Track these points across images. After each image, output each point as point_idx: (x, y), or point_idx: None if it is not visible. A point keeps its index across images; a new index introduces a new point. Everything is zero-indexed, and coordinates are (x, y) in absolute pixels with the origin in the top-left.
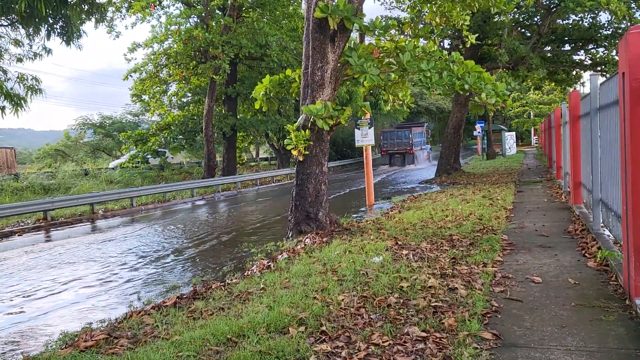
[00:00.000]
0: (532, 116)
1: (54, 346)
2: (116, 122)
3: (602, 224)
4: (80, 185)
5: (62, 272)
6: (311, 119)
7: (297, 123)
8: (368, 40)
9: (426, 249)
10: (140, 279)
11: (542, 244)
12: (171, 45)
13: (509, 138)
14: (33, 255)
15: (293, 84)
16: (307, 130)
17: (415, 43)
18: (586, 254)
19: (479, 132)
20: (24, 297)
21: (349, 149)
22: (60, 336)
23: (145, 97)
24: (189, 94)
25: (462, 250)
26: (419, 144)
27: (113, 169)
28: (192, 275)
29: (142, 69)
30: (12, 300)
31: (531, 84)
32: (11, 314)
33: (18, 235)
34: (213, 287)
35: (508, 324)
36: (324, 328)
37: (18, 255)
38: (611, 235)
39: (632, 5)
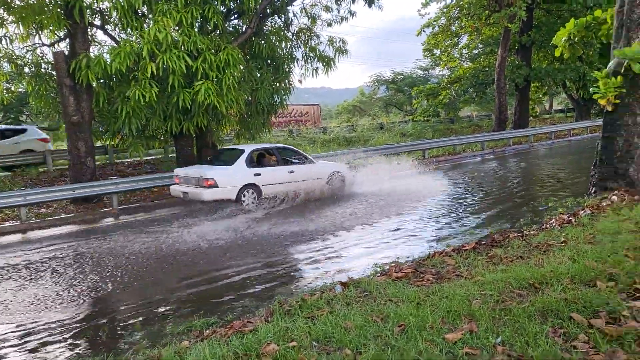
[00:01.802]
0: None
1: (371, 274)
2: (407, 78)
3: None
4: (377, 138)
5: None
6: (624, 64)
7: (607, 69)
8: None
9: None
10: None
11: None
12: None
13: None
14: None
15: (603, 25)
16: (619, 77)
17: None
18: None
19: None
20: None
21: None
22: (374, 267)
23: (437, 51)
24: (480, 45)
25: None
26: None
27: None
28: (488, 225)
29: (434, 23)
30: None
31: None
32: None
33: None
34: (511, 236)
35: None
36: (638, 286)
37: None
38: None
39: None
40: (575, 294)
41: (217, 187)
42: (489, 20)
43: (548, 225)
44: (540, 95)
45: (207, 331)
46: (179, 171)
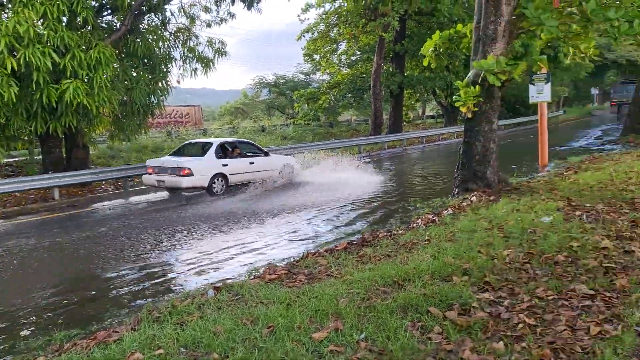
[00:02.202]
0: None
1: (245, 277)
2: (289, 82)
3: None
4: (258, 141)
5: None
6: (482, 75)
7: (466, 79)
8: None
9: (602, 210)
10: (313, 227)
11: None
12: (342, 4)
13: None
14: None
15: (464, 39)
16: (477, 86)
17: None
18: None
19: None
20: None
21: (523, 106)
22: (249, 269)
23: (316, 57)
24: (358, 52)
25: None
26: None
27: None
28: (358, 225)
29: (314, 28)
30: None
31: None
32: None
33: None
34: (380, 236)
35: None
36: (487, 279)
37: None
38: None
39: None
40: (434, 289)
41: (193, 175)
42: (366, 29)
43: (415, 225)
44: (413, 102)
45: (68, 344)
46: (153, 162)
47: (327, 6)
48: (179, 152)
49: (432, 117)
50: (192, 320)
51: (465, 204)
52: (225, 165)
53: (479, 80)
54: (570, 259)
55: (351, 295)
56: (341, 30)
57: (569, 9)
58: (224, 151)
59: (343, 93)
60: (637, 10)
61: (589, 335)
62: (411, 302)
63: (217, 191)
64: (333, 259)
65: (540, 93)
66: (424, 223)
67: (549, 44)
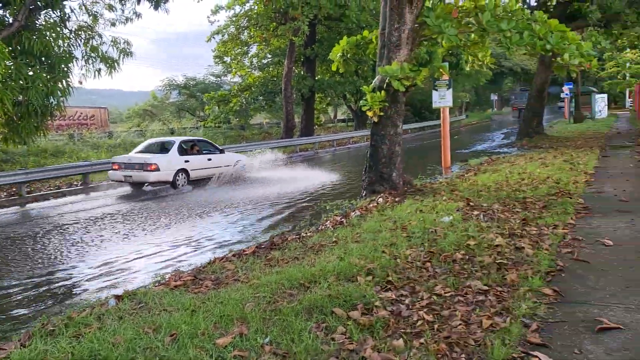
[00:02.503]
0: (627, 77)
1: (150, 284)
2: (199, 83)
3: None
4: None
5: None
6: (387, 80)
7: (372, 84)
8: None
9: (497, 210)
10: (222, 233)
11: (620, 209)
12: (252, 7)
13: (600, 100)
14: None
15: (370, 45)
16: (382, 92)
17: (496, 2)
18: None
19: (566, 95)
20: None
21: (428, 111)
22: (153, 276)
23: (227, 59)
24: (269, 56)
25: (534, 213)
26: None
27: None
28: (268, 229)
29: (224, 30)
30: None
31: (626, 42)
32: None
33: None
34: (289, 239)
35: (571, 282)
36: (390, 278)
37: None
38: None
39: None
40: (339, 289)
41: (160, 170)
42: (277, 32)
43: (323, 227)
44: (324, 106)
45: None
46: (119, 158)
47: (238, 8)
48: (143, 150)
49: (343, 120)
50: (89, 332)
51: (372, 205)
52: (187, 161)
53: (385, 86)
54: (467, 257)
55: (257, 299)
56: (252, 33)
57: (467, 19)
58: (185, 149)
59: (254, 96)
60: (526, 22)
61: (481, 328)
62: (316, 303)
63: (180, 185)
64: (241, 264)
65: (443, 98)
66: (332, 225)
67: (450, 52)
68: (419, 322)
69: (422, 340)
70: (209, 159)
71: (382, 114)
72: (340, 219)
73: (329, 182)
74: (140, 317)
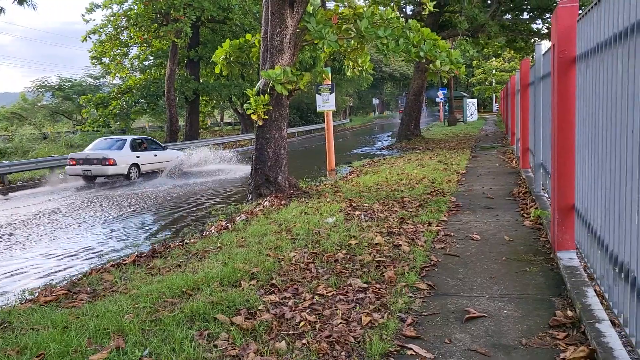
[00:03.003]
0: (493, 83)
1: (15, 301)
2: (76, 85)
3: (542, 187)
4: (38, 149)
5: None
6: (270, 84)
7: (256, 88)
8: (330, 5)
9: (378, 210)
10: (101, 238)
11: (487, 205)
12: (131, 6)
13: (470, 105)
14: None
15: (253, 48)
16: (266, 95)
17: (374, 10)
18: (524, 214)
19: (441, 99)
20: None
21: (314, 115)
22: (21, 292)
23: (106, 60)
24: (151, 57)
25: (410, 211)
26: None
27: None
28: (151, 236)
29: (101, 30)
30: None
31: (491, 51)
32: None
33: None
34: (172, 246)
35: (443, 276)
36: (274, 281)
37: None
38: (549, 197)
39: None
40: (222, 295)
41: (117, 165)
42: (158, 33)
43: (208, 233)
44: (210, 109)
45: None
46: (75, 155)
47: (116, 7)
48: (96, 147)
49: (230, 124)
50: None
51: (258, 209)
52: (137, 157)
53: (268, 89)
54: (348, 256)
55: (137, 310)
56: (132, 34)
57: (347, 26)
58: (134, 146)
59: (136, 99)
60: (401, 30)
61: (360, 325)
62: (199, 311)
63: (132, 177)
64: (120, 274)
65: (326, 102)
66: (217, 230)
67: (334, 57)
68: (302, 323)
69: (304, 341)
70: (155, 155)
71: (266, 117)
72: (226, 223)
73: (212, 186)
74: (2, 338)
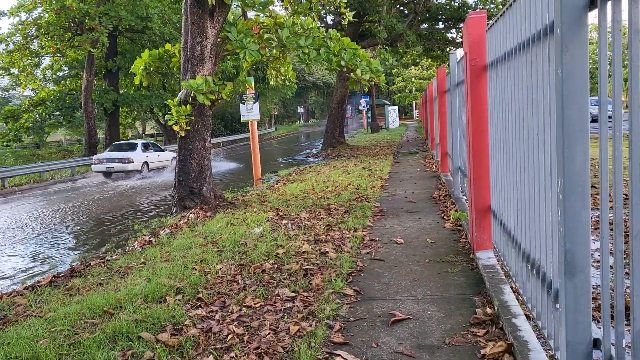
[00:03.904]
0: (413, 91)
1: None
2: None
3: (460, 190)
4: None
5: None
6: (192, 94)
7: (177, 98)
8: (251, 15)
9: (305, 218)
10: (17, 260)
11: (409, 209)
12: (42, 14)
13: (392, 112)
14: None
15: (173, 58)
16: (188, 105)
17: (295, 20)
18: (445, 217)
19: (364, 107)
20: None
21: (239, 124)
22: None
23: (15, 71)
24: (66, 68)
25: (337, 218)
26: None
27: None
28: (72, 255)
29: (8, 39)
30: None
31: (410, 60)
32: None
33: None
34: (92, 264)
35: (369, 280)
36: (200, 295)
37: None
38: (467, 199)
39: None
40: (146, 312)
41: (134, 162)
42: (73, 43)
43: (131, 248)
44: (131, 120)
45: None
46: (99, 156)
47: (24, 15)
48: (114, 149)
49: (152, 135)
50: None
51: (182, 222)
52: (147, 156)
53: (190, 100)
54: (276, 266)
55: (54, 333)
56: (43, 43)
57: (268, 35)
58: (143, 148)
59: (50, 111)
60: (322, 40)
61: (289, 334)
62: (122, 330)
63: (143, 173)
64: (35, 296)
65: (250, 112)
66: (141, 245)
67: (257, 67)
68: (229, 336)
69: (232, 354)
70: (158, 155)
71: (189, 128)
72: (149, 238)
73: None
74: None
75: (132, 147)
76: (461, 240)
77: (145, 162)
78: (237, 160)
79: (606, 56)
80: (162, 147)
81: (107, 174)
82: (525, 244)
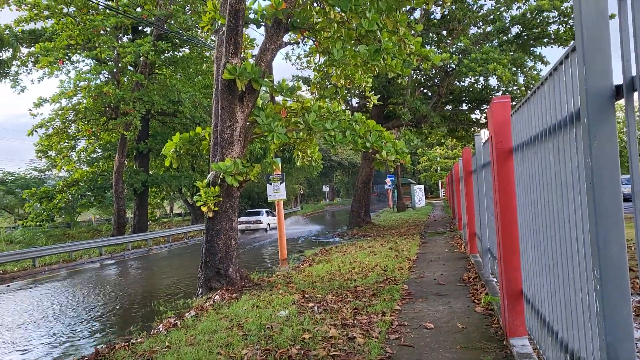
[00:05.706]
0: (438, 170)
1: None
2: (19, 179)
3: (490, 272)
4: None
5: None
6: (220, 176)
7: (206, 179)
8: (279, 99)
9: (331, 300)
10: (44, 345)
11: (438, 292)
12: (80, 100)
13: (418, 191)
14: None
15: (203, 141)
16: (216, 187)
17: (321, 103)
18: (475, 300)
19: (389, 186)
20: None
21: (265, 203)
22: None
23: (52, 153)
24: (99, 150)
25: (364, 301)
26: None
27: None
28: (98, 337)
29: (48, 124)
30: None
31: (434, 140)
32: None
33: None
34: (117, 347)
35: None
36: None
37: None
38: (498, 282)
39: (515, 69)
40: None
41: (262, 223)
42: (107, 126)
43: (156, 331)
44: (159, 200)
45: None
46: (242, 218)
47: (64, 102)
48: (249, 214)
49: (180, 214)
50: None
51: (208, 303)
52: (269, 219)
53: (219, 181)
54: (302, 351)
55: None
56: (80, 127)
57: (295, 119)
58: (266, 213)
59: (82, 191)
60: (348, 122)
61: None
62: None
63: (267, 230)
64: None
65: (277, 192)
66: (165, 328)
67: (284, 148)
68: None
69: None
70: (273, 217)
71: (216, 208)
72: (175, 320)
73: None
74: None
75: (259, 213)
76: (493, 325)
77: (268, 223)
78: (265, 239)
79: (636, 141)
80: (274, 212)
81: (244, 231)
82: (562, 333)
